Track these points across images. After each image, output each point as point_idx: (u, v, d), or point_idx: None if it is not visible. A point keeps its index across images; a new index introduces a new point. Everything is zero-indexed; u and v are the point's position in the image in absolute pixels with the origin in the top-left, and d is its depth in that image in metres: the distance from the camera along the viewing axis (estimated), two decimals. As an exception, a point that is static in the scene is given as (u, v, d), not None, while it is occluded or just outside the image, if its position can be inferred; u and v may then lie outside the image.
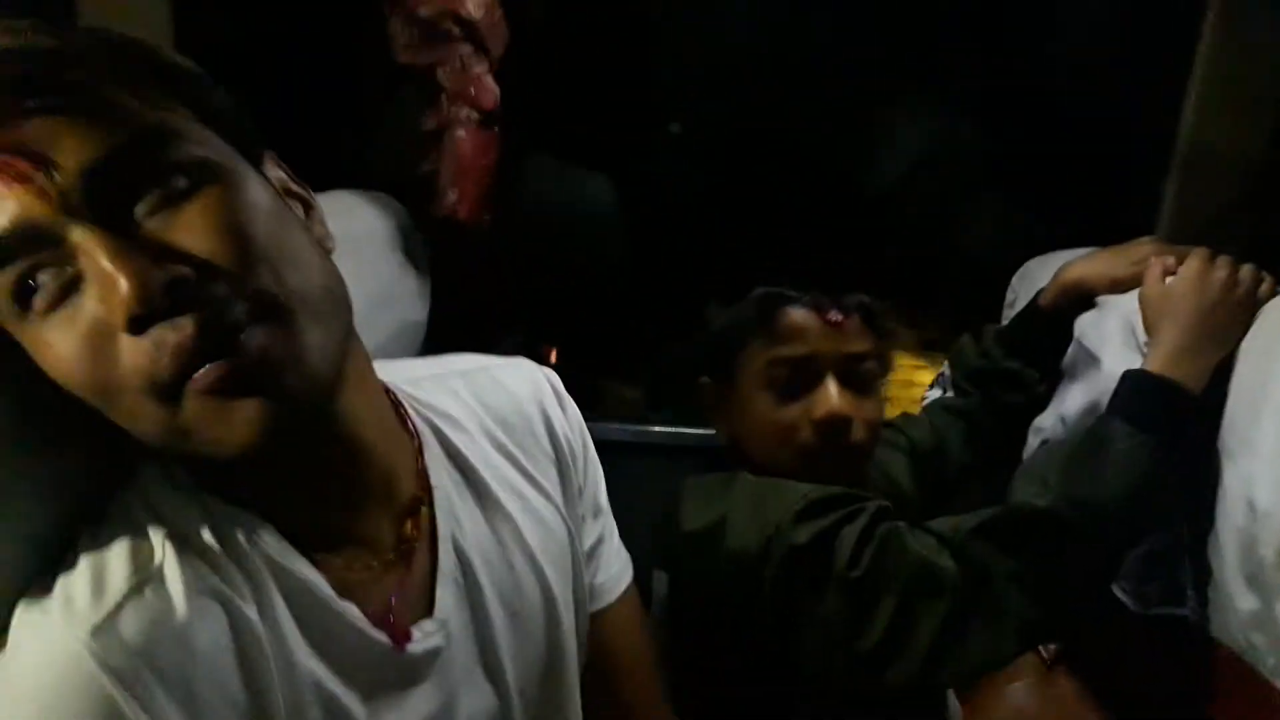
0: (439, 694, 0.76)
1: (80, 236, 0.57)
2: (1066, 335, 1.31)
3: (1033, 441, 1.33)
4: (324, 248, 0.70)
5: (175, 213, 0.59)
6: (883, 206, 2.01)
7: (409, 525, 0.76)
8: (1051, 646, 1.35)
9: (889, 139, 2.00)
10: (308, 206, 0.72)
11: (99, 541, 0.64)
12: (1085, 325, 1.29)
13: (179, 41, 1.25)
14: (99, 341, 0.58)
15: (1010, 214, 1.90)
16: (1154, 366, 1.04)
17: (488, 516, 0.83)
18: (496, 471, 0.85)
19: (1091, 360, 1.25)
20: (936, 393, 1.50)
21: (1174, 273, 1.11)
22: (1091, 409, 1.21)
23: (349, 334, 0.70)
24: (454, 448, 0.83)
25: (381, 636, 0.72)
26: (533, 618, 0.83)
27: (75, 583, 0.61)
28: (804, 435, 1.14)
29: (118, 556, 0.63)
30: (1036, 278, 1.39)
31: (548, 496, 0.88)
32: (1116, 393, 1.07)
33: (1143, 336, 1.13)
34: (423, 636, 0.75)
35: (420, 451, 0.80)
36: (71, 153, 0.57)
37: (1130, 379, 1.06)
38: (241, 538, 0.67)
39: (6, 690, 0.58)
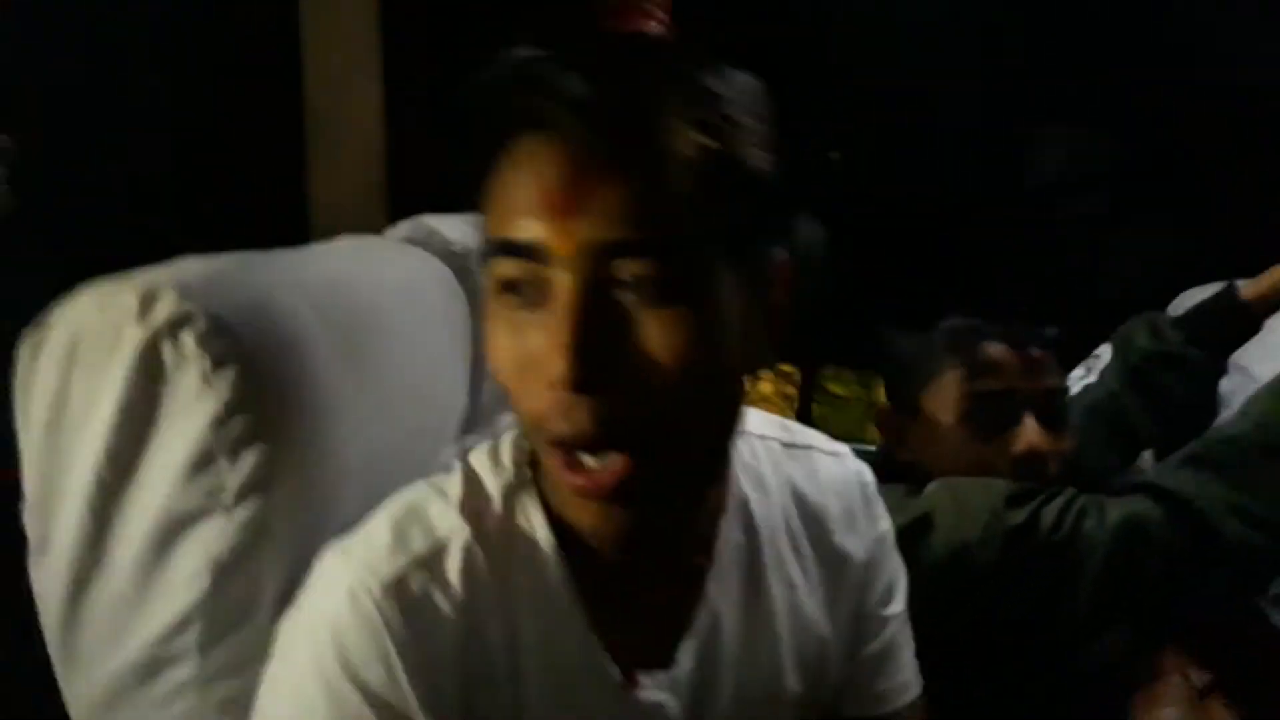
0: None
1: (562, 282, 0.60)
2: (1239, 338, 1.28)
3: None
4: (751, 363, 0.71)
5: (653, 306, 0.61)
6: (1037, 234, 2.02)
7: (681, 582, 0.77)
8: (1205, 675, 1.35)
9: (1046, 166, 2.01)
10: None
11: (414, 497, 0.72)
12: (1250, 353, 1.28)
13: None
14: (528, 362, 0.63)
15: (1166, 243, 1.89)
16: None
17: (752, 592, 0.81)
18: (776, 552, 0.83)
19: (1250, 382, 1.24)
20: (1079, 373, 1.44)
21: None
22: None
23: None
24: (751, 519, 0.82)
25: (615, 672, 0.73)
26: (757, 706, 0.82)
27: (378, 532, 0.69)
28: (1001, 470, 1.14)
29: (421, 520, 0.70)
30: (1195, 309, 1.38)
31: (816, 595, 0.85)
32: None
33: None
34: (653, 686, 0.75)
35: (721, 518, 0.80)
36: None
37: None
38: (527, 538, 0.72)
39: (306, 614, 0.68)
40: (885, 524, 0.92)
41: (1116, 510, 1.04)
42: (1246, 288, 1.26)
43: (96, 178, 1.22)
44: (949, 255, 2.05)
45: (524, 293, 0.62)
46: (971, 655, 1.06)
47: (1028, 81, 1.99)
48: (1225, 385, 1.31)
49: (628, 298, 0.61)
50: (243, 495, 0.70)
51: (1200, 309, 1.32)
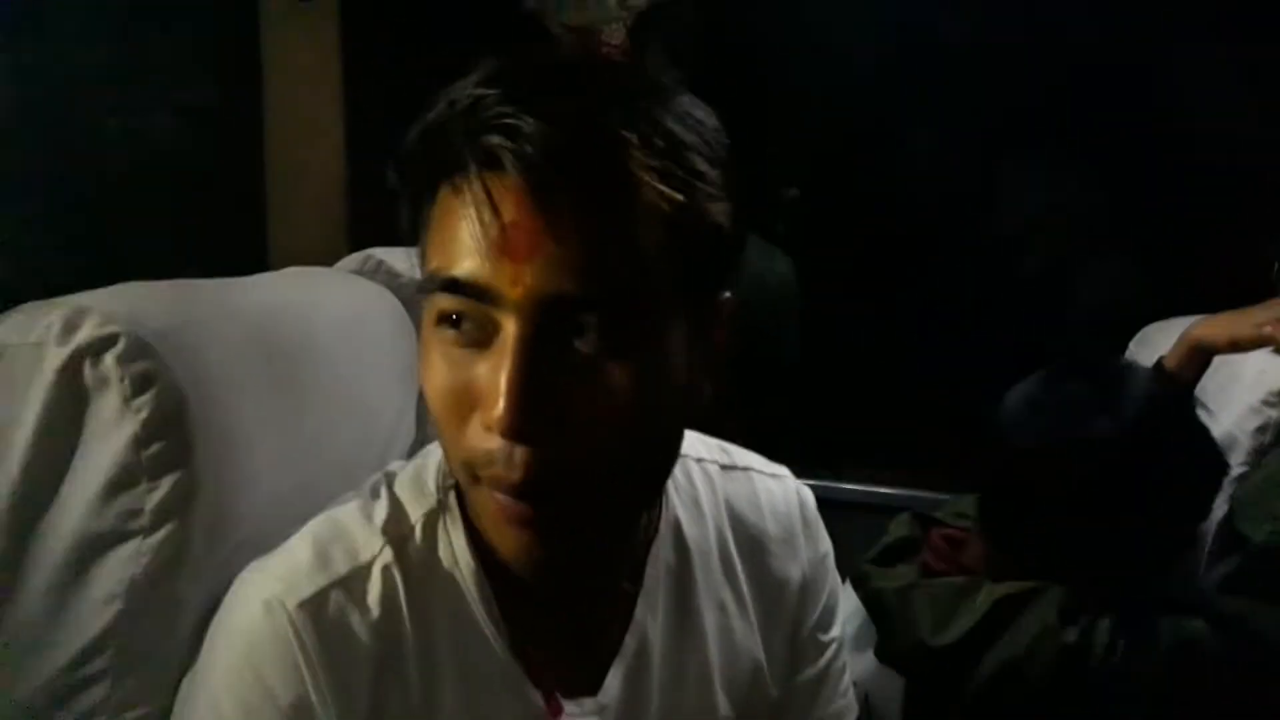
0: None
1: (510, 327, 0.58)
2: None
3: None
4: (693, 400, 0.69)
5: (603, 358, 0.60)
6: (1000, 270, 2.04)
7: (609, 606, 0.77)
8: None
9: (1008, 202, 2.02)
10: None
11: (338, 519, 0.71)
12: (1206, 389, 1.29)
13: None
14: (465, 399, 0.61)
15: (1128, 279, 1.91)
16: None
17: (681, 615, 0.80)
18: (708, 575, 0.82)
19: (1209, 418, 1.25)
20: None
21: None
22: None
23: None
24: (684, 542, 0.81)
25: (538, 698, 0.72)
26: None
27: (300, 551, 0.69)
28: None
29: (342, 540, 0.70)
30: (1156, 343, 1.39)
31: (749, 618, 0.84)
32: None
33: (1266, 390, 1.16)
34: (579, 713, 0.74)
35: (653, 540, 0.79)
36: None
37: None
38: (448, 563, 0.71)
39: (223, 628, 0.67)
40: (825, 545, 0.90)
41: (1169, 633, 1.02)
42: (1168, 358, 1.29)
43: (53, 209, 1.24)
44: (909, 292, 2.06)
45: (465, 329, 0.61)
46: None
47: (990, 119, 2.02)
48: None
49: (577, 346, 0.59)
50: (161, 518, 0.70)
51: None
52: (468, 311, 0.60)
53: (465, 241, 0.59)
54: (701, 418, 0.86)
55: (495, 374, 0.58)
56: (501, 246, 0.58)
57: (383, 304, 1.03)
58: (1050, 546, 1.08)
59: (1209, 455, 1.08)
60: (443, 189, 0.62)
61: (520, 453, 0.59)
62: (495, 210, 0.58)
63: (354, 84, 1.40)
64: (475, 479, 0.63)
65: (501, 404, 0.57)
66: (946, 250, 2.05)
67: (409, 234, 0.68)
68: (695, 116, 0.64)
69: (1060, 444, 1.06)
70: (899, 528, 1.30)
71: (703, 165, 0.62)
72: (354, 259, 1.10)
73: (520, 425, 0.57)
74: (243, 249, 1.36)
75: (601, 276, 0.58)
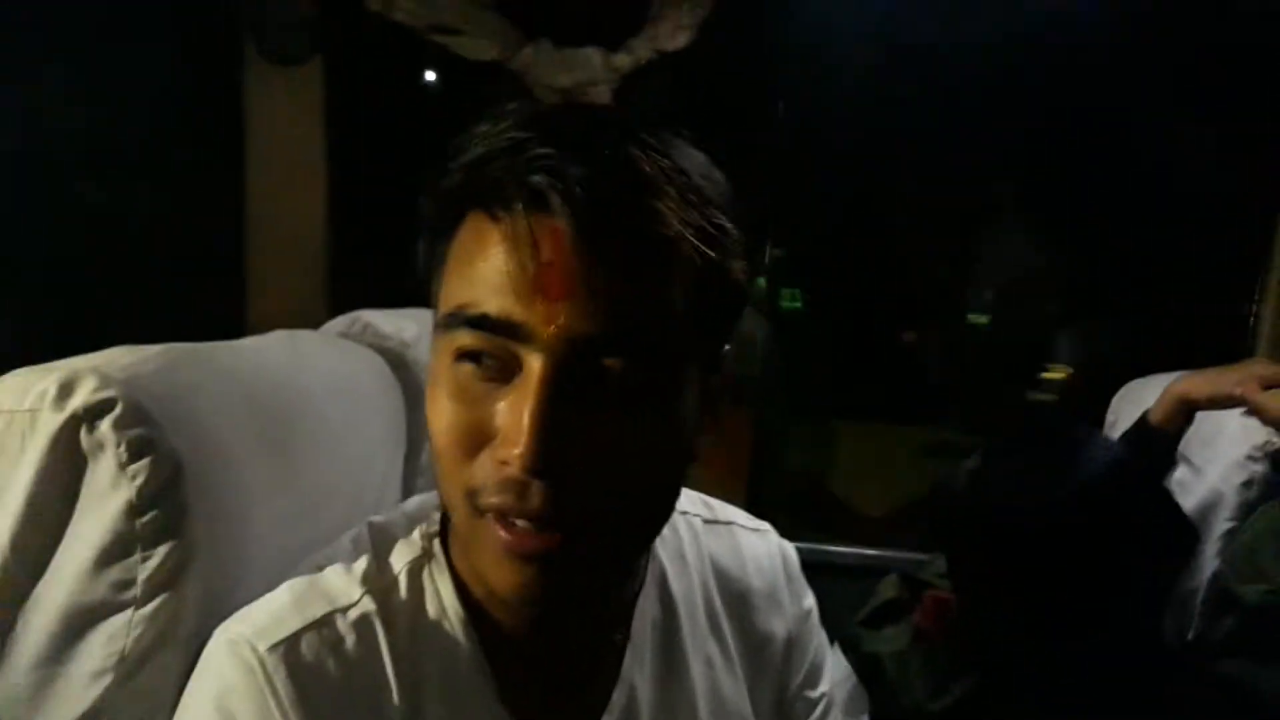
0: None
1: (535, 364, 0.59)
2: (1173, 456, 1.31)
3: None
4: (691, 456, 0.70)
5: (623, 403, 0.60)
6: (980, 328, 2.06)
7: (598, 660, 0.76)
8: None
9: (988, 264, 2.05)
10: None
11: (318, 566, 0.71)
12: (1191, 444, 1.30)
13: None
14: (478, 433, 0.61)
15: (1107, 338, 1.93)
16: None
17: (669, 670, 0.80)
18: (695, 629, 0.82)
19: (1194, 473, 1.27)
20: None
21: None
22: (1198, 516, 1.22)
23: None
24: (669, 594, 0.81)
25: None
26: None
27: (276, 600, 0.68)
28: None
29: (319, 588, 0.68)
30: (1139, 398, 1.41)
31: (735, 673, 0.84)
32: None
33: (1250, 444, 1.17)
34: None
35: (639, 592, 0.79)
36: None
37: None
38: (435, 614, 0.70)
39: (197, 676, 0.66)
40: (809, 600, 0.90)
41: (1168, 695, 1.02)
42: (1153, 412, 1.31)
43: (34, 274, 1.22)
44: (889, 353, 2.07)
45: (485, 365, 0.61)
46: None
47: (976, 181, 2.05)
48: (1175, 477, 1.33)
49: (597, 389, 0.60)
50: (154, 590, 0.68)
51: (1121, 439, 1.36)
52: (490, 349, 0.60)
53: (495, 278, 0.60)
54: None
55: (515, 410, 0.59)
56: (538, 285, 0.58)
57: (371, 366, 1.02)
58: (1016, 613, 1.08)
59: (1169, 523, 1.09)
60: (465, 226, 0.63)
61: (535, 485, 0.59)
62: (535, 249, 0.58)
63: (336, 147, 1.40)
64: (479, 511, 0.62)
65: (524, 441, 0.57)
66: (931, 310, 2.07)
67: (422, 268, 0.68)
68: (715, 175, 0.66)
69: (1014, 512, 1.06)
70: (887, 589, 1.29)
71: (725, 221, 0.63)
72: (341, 321, 1.09)
73: (540, 462, 0.58)
74: (221, 313, 1.35)
75: (631, 323, 0.59)
